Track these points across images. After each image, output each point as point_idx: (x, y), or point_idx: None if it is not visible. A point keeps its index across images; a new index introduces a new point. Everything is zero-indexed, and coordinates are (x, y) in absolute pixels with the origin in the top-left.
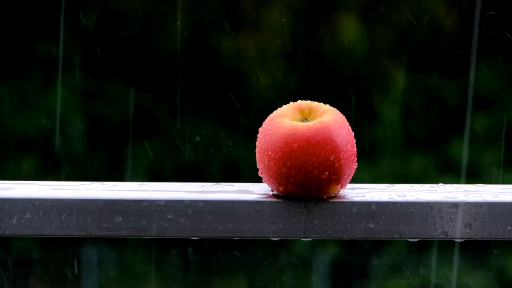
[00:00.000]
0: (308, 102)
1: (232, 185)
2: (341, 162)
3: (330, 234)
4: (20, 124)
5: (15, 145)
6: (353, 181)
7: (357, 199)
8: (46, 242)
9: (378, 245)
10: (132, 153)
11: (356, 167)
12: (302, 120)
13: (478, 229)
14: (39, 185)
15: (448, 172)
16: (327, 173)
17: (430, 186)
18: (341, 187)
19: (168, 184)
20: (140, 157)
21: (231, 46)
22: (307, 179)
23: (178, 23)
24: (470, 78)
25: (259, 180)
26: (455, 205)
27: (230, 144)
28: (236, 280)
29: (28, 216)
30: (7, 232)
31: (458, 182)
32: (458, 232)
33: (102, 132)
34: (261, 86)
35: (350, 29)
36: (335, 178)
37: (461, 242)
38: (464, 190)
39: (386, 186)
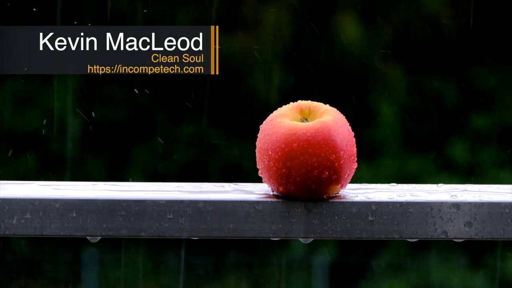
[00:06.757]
0: (308, 102)
1: (232, 185)
2: (341, 162)
3: (330, 234)
4: (20, 123)
5: (15, 145)
6: (353, 181)
7: (357, 199)
8: (45, 242)
9: (378, 245)
10: (132, 153)
11: (356, 167)
12: (302, 120)
13: (478, 229)
14: (39, 185)
15: (448, 172)
16: (327, 173)
17: (430, 186)
18: (341, 187)
19: (168, 184)
20: (139, 157)
21: (231, 46)
22: (307, 179)
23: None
24: (470, 78)
25: (259, 180)
26: (455, 205)
27: (230, 144)
28: (236, 280)
29: (28, 216)
30: (7, 232)
31: (458, 182)
32: (458, 232)
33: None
34: (261, 86)
35: (349, 29)
36: (335, 178)
37: (461, 242)
38: (464, 190)
39: (386, 186)
